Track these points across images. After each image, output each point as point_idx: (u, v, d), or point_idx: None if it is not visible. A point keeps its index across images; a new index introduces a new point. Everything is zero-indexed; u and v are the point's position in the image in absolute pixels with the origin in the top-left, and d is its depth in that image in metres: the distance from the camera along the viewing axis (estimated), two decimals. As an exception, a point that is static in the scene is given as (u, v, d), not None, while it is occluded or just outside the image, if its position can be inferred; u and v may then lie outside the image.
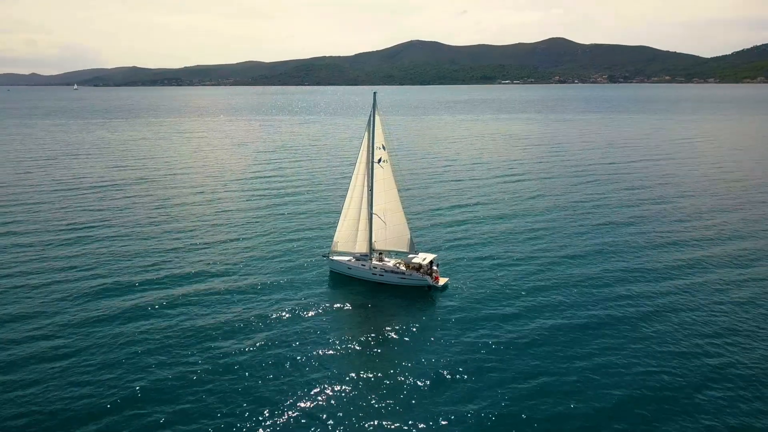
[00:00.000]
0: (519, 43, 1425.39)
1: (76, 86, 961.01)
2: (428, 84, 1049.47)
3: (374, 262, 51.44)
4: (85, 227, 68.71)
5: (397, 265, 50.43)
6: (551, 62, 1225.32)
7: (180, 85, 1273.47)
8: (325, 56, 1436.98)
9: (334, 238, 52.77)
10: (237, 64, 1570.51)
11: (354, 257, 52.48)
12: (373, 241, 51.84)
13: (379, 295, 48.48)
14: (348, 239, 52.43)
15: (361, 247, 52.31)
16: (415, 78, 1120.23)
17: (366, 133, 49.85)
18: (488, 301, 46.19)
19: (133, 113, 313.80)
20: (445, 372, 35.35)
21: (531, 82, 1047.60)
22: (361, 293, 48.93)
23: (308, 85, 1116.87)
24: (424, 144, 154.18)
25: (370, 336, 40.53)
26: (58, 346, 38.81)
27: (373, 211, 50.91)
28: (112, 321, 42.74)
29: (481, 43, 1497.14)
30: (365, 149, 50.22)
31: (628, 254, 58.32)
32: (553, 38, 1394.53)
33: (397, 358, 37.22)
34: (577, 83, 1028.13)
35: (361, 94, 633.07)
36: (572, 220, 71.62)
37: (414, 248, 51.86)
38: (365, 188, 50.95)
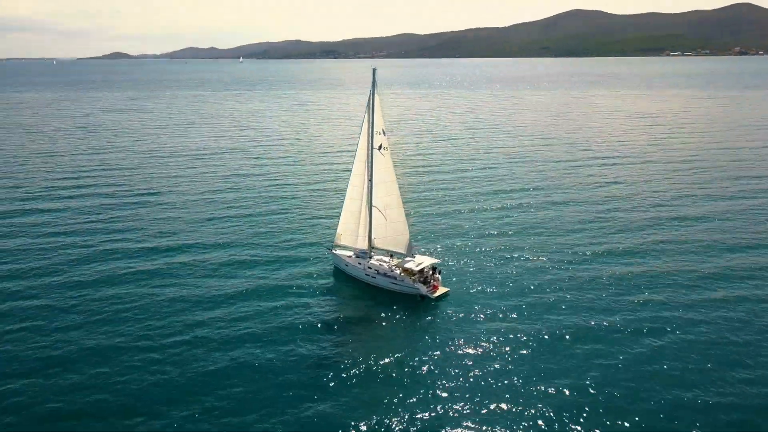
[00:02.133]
0: (695, 11, 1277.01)
1: (241, 59, 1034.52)
2: (586, 56, 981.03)
3: (372, 261, 45.97)
4: (144, 193, 70.76)
5: (393, 267, 44.45)
6: (731, 31, 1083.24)
7: (336, 58, 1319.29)
8: (478, 28, 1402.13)
9: (337, 230, 48.05)
10: (392, 36, 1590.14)
11: (354, 253, 47.42)
12: (372, 237, 46.30)
13: (373, 300, 43.21)
14: (350, 233, 47.44)
15: (362, 243, 47.08)
16: (573, 50, 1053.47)
17: (365, 116, 44.05)
18: (489, 319, 39.45)
19: (271, 85, 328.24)
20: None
21: (705, 54, 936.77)
22: (356, 296, 44.10)
23: (459, 57, 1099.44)
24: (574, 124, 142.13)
25: (344, 353, 35.55)
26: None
27: (373, 204, 45.28)
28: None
29: (651, 11, 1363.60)
30: (365, 134, 44.47)
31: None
32: (735, 4, 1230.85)
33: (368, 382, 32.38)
34: (762, 54, 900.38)
35: (503, 66, 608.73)
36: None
37: (412, 251, 45.42)
38: (366, 177, 45.36)
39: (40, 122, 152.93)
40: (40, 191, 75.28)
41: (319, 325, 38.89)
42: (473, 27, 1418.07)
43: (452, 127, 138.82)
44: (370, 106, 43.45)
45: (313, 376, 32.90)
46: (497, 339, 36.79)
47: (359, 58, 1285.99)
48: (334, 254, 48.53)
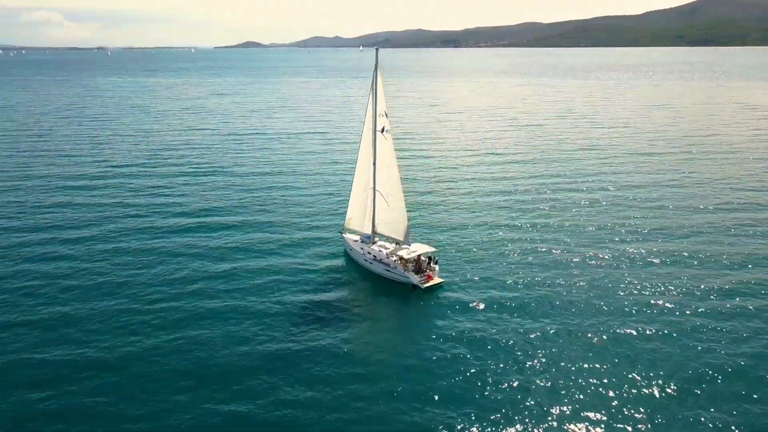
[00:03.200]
0: None
1: (361, 48, 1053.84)
2: (729, 45, 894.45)
3: (372, 246, 45.16)
4: (207, 170, 74.69)
5: (389, 254, 43.33)
6: None
7: (456, 47, 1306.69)
8: (607, 16, 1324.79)
9: (347, 214, 47.70)
10: (515, 25, 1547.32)
11: (360, 238, 46.89)
12: (375, 223, 45.45)
13: (366, 286, 42.64)
14: (357, 217, 46.94)
15: (367, 228, 46.41)
16: (713, 38, 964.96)
17: (369, 97, 43.14)
18: (486, 313, 37.65)
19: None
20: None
21: None
22: (351, 280, 43.73)
23: (584, 46, 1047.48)
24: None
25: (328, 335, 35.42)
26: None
27: (376, 188, 44.39)
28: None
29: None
30: (370, 116, 43.58)
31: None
32: None
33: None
34: None
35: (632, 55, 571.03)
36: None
37: (408, 238, 43.99)
38: (370, 161, 44.53)
39: (153, 103, 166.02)
40: (118, 164, 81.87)
41: (302, 308, 38.98)
42: (602, 15, 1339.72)
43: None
44: (374, 87, 42.49)
45: (268, 359, 32.99)
46: (481, 335, 35.03)
47: (479, 47, 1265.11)
48: (343, 237, 48.30)
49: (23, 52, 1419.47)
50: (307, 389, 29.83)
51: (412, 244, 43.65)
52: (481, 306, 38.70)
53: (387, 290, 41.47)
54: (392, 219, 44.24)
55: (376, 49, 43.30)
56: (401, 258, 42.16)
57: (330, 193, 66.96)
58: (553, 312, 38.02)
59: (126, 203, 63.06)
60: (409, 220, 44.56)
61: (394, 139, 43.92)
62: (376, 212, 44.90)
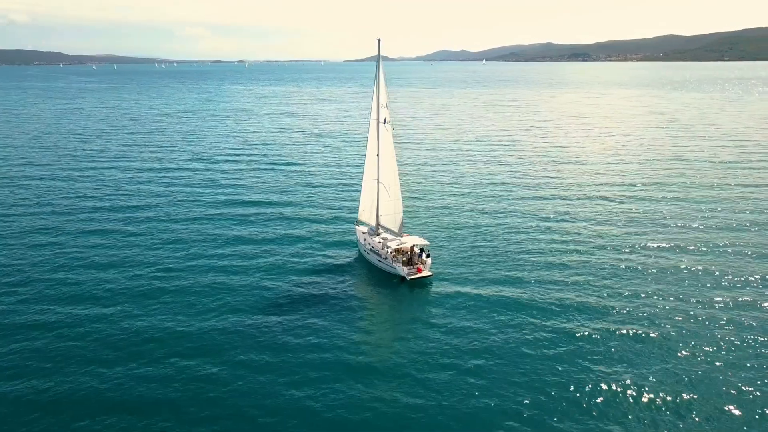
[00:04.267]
0: None
1: (484, 61, 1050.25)
2: None
3: (374, 238, 45.00)
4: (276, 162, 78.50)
5: (384, 245, 42.93)
6: None
7: (585, 60, 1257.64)
8: (760, 27, 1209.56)
9: (359, 206, 48.00)
10: (651, 38, 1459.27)
11: (368, 229, 46.94)
12: (379, 214, 45.28)
13: (362, 276, 42.66)
14: (367, 209, 47.03)
15: (372, 219, 46.36)
16: None
17: (374, 89, 43.26)
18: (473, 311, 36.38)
19: (481, 83, 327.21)
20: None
21: None
22: (349, 269, 43.97)
23: (729, 60, 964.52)
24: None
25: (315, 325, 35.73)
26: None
27: (380, 180, 44.31)
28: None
29: None
30: (374, 108, 43.68)
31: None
32: None
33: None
34: None
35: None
36: None
37: (401, 230, 43.26)
38: (373, 153, 44.55)
39: (261, 107, 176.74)
40: (196, 156, 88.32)
41: (287, 290, 39.83)
42: (753, 27, 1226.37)
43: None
44: (376, 78, 42.58)
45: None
46: (461, 327, 34.12)
47: (610, 60, 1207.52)
48: (355, 229, 48.63)
49: (175, 64, 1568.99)
50: (254, 355, 30.49)
51: (404, 236, 43.05)
52: (466, 299, 37.60)
53: (377, 281, 41.20)
54: (392, 210, 43.94)
55: (378, 41, 43.23)
56: (397, 249, 41.67)
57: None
58: (545, 309, 35.87)
59: (194, 191, 67.81)
60: (403, 212, 44.04)
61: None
62: (380, 204, 44.76)
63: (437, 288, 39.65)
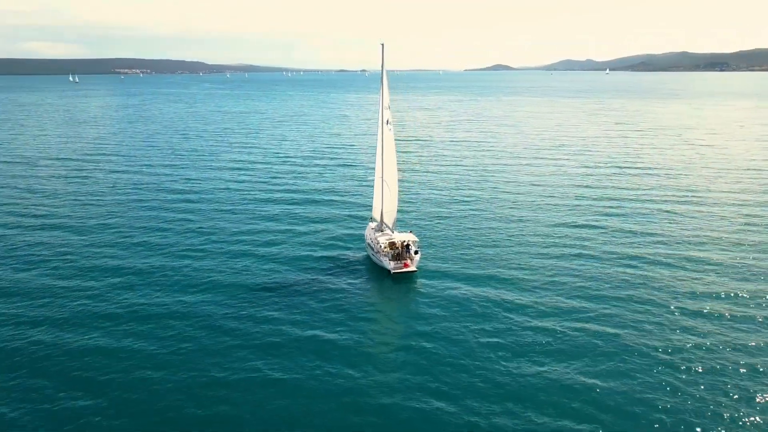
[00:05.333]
0: None
1: (608, 71, 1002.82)
2: None
3: (377, 233, 47.14)
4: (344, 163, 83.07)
5: (377, 239, 44.97)
6: None
7: (723, 70, 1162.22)
8: None
9: (373, 204, 50.47)
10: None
11: (377, 225, 49.17)
12: (383, 211, 47.42)
13: (358, 269, 45.05)
14: (375, 205, 49.43)
15: (378, 216, 48.57)
16: None
17: (380, 92, 45.61)
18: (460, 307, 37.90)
19: (592, 93, 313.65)
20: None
21: None
22: (351, 264, 46.54)
23: None
24: None
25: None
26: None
27: (384, 178, 46.52)
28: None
29: None
30: (381, 110, 46.01)
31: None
32: None
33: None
34: None
35: None
36: None
37: (394, 226, 44.97)
38: (379, 152, 46.83)
39: (353, 113, 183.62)
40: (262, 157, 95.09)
41: (282, 281, 43.31)
42: None
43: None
44: (381, 80, 44.91)
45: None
46: (441, 322, 35.53)
47: (752, 70, 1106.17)
48: (367, 224, 51.03)
49: (301, 73, 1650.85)
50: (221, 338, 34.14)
51: (395, 232, 44.89)
52: (446, 294, 39.03)
53: (369, 273, 43.42)
54: (392, 207, 45.98)
55: (382, 45, 45.41)
56: (390, 244, 43.58)
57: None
58: (536, 308, 36.53)
59: (238, 187, 73.98)
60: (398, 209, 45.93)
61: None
62: (384, 201, 46.92)
63: (426, 282, 41.22)
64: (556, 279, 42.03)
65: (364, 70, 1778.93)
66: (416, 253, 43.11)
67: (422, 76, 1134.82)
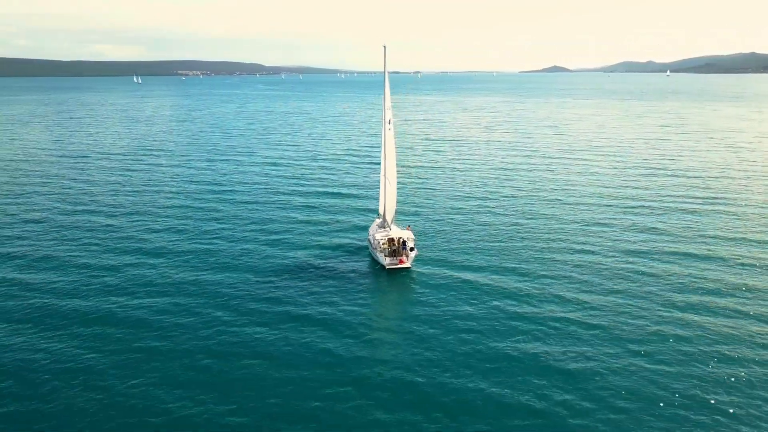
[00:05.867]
0: None
1: (668, 73, 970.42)
2: None
3: (378, 229, 48.76)
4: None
5: (374, 236, 46.60)
6: None
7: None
8: None
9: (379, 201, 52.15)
10: None
11: (381, 221, 50.81)
12: (386, 208, 49.00)
13: (356, 263, 46.88)
14: (380, 202, 51.06)
15: (382, 212, 50.18)
16: None
17: (384, 93, 47.24)
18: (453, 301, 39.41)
19: (646, 96, 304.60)
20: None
21: None
22: (352, 255, 48.46)
23: None
24: None
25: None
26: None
27: (386, 176, 48.13)
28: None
29: None
30: (384, 110, 47.66)
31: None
32: None
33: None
34: None
35: None
36: None
37: (392, 221, 46.41)
38: (383, 151, 48.48)
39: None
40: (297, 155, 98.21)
41: (286, 270, 45.69)
42: None
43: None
44: (385, 81, 46.56)
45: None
46: (431, 315, 36.86)
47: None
48: (374, 220, 52.79)
49: (355, 74, 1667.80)
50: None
51: (392, 228, 46.44)
52: (439, 290, 40.40)
53: (365, 267, 45.14)
54: (392, 204, 47.53)
55: (384, 47, 46.97)
56: (389, 240, 45.16)
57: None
58: (536, 300, 37.68)
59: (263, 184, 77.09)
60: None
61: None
62: (386, 198, 48.53)
63: (415, 277, 42.74)
64: (556, 272, 43.14)
65: (417, 72, 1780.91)
66: (411, 250, 44.48)
67: (476, 77, 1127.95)
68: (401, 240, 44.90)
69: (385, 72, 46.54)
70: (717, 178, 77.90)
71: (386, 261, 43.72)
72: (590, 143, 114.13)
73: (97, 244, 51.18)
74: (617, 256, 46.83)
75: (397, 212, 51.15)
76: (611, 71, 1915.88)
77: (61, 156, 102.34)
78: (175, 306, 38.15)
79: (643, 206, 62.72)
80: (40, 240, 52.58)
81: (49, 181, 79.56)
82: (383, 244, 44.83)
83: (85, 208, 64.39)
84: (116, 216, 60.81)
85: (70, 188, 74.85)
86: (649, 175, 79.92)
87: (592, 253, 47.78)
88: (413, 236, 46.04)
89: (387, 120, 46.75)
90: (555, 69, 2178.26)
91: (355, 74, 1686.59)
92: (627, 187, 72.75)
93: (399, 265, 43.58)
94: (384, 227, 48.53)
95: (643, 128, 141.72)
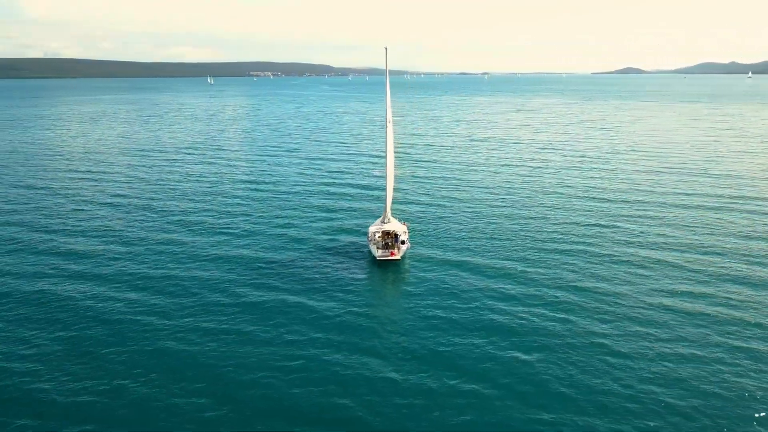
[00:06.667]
0: None
1: (750, 74, 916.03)
2: None
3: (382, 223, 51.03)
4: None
5: (370, 228, 48.96)
6: None
7: None
8: None
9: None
10: None
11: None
12: (387, 202, 51.29)
13: (354, 256, 49.33)
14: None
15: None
16: None
17: (386, 94, 49.63)
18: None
19: (715, 99, 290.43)
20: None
21: None
22: (355, 247, 51.07)
23: None
24: None
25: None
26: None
27: (387, 174, 50.49)
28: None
29: None
30: (387, 111, 50.05)
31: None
32: None
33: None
34: None
35: None
36: None
37: (387, 215, 48.61)
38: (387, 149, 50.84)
39: (446, 114, 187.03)
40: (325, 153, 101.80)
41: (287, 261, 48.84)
42: None
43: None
44: (386, 84, 48.97)
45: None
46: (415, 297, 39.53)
47: None
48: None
49: (422, 75, 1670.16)
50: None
51: (387, 223, 48.69)
52: (424, 281, 42.47)
53: (360, 259, 47.63)
54: (389, 199, 49.88)
55: (385, 49, 49.22)
56: (384, 233, 47.51)
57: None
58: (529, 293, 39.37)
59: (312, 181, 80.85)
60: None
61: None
62: (387, 192, 50.90)
63: (405, 268, 45.03)
64: (554, 270, 44.41)
65: (485, 73, 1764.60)
66: (403, 243, 46.62)
67: (544, 79, 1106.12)
68: (394, 233, 47.08)
69: (386, 73, 49.02)
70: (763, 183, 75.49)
71: (378, 253, 46.04)
72: (635, 144, 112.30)
73: (133, 226, 56.47)
74: (619, 255, 47.24)
75: (394, 206, 52.98)
76: (689, 73, 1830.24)
77: (119, 150, 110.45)
78: (193, 279, 42.08)
79: (661, 207, 62.12)
80: (88, 221, 58.46)
81: (105, 172, 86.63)
82: (377, 237, 47.19)
83: (129, 201, 70.01)
84: (150, 209, 65.93)
85: (120, 179, 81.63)
86: (687, 177, 78.28)
87: (590, 253, 48.34)
88: (406, 230, 48.16)
89: (389, 120, 49.06)
90: (629, 70, 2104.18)
91: (422, 75, 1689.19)
92: (657, 191, 71.71)
93: (390, 257, 45.79)
94: (384, 221, 50.87)
95: (695, 130, 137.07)
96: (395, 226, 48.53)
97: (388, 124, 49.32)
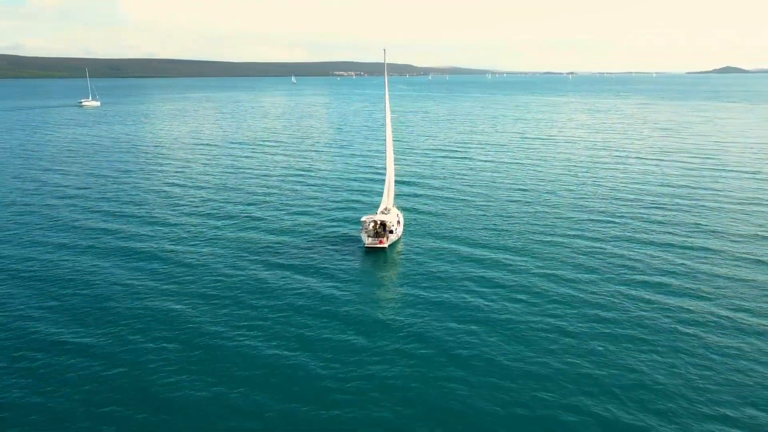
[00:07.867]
0: None
1: None
2: None
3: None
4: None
5: (362, 218, 52.13)
6: None
7: None
8: None
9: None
10: None
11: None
12: (387, 194, 54.41)
13: (351, 245, 52.65)
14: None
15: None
16: None
17: (386, 93, 52.80)
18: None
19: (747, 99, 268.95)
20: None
21: None
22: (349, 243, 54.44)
23: None
24: None
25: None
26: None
27: (387, 169, 53.69)
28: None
29: None
30: (387, 109, 53.26)
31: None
32: None
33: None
34: None
35: None
36: None
37: (387, 206, 51.94)
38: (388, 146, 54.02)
39: (515, 114, 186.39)
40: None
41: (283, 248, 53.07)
42: None
43: None
44: (386, 84, 52.20)
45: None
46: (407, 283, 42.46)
47: None
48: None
49: (504, 75, 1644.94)
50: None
51: (392, 212, 52.11)
52: (407, 270, 45.22)
53: (352, 246, 51.00)
54: (390, 190, 53.18)
55: (384, 50, 52.33)
56: (373, 222, 50.71)
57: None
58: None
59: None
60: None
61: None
62: (388, 186, 54.12)
63: (391, 255, 48.07)
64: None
65: (570, 73, 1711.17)
66: (391, 232, 49.73)
67: (634, 78, 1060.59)
68: (383, 223, 50.22)
69: (385, 73, 52.17)
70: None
71: (367, 241, 49.38)
72: (695, 145, 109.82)
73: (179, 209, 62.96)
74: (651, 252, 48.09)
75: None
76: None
77: (189, 143, 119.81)
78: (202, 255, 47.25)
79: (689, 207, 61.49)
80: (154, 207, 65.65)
81: (172, 164, 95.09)
82: (369, 226, 50.53)
83: (184, 184, 77.09)
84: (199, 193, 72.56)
85: (187, 168, 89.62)
86: (722, 176, 76.21)
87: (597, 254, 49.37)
88: (400, 221, 51.24)
89: (387, 118, 52.29)
90: (728, 69, 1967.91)
91: (504, 74, 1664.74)
92: (684, 186, 70.56)
93: (377, 245, 48.99)
94: (384, 212, 54.01)
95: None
96: (389, 217, 51.52)
97: (387, 121, 52.41)
